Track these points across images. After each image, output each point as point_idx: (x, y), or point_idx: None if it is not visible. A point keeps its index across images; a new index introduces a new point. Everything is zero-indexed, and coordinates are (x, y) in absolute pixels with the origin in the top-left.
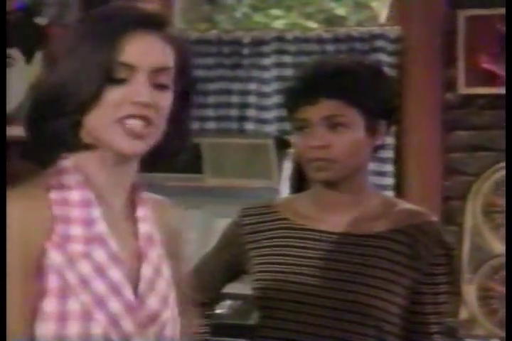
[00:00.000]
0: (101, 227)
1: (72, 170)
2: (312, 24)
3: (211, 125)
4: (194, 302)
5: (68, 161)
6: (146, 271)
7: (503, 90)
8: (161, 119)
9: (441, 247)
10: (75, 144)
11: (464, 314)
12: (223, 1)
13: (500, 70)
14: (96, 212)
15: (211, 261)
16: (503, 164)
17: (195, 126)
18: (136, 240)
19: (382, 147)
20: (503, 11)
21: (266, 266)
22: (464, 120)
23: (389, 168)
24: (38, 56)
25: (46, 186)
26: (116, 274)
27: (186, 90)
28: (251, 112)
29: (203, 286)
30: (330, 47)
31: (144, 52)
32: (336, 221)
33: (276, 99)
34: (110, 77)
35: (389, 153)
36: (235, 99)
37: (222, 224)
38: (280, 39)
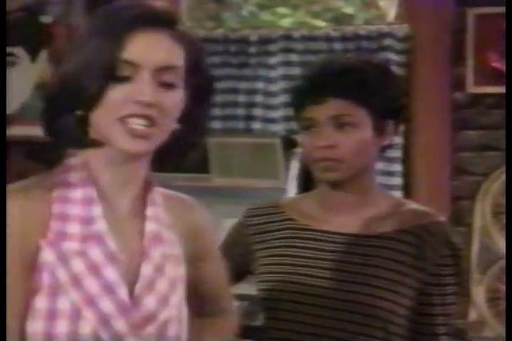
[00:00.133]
0: (100, 225)
1: (79, 168)
2: (320, 22)
3: (218, 124)
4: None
5: (76, 159)
6: (146, 270)
7: None
8: (165, 119)
9: (448, 248)
10: (83, 141)
11: (472, 315)
12: None
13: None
14: (96, 210)
15: None
16: None
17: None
18: (142, 239)
19: (389, 147)
20: None
21: (272, 266)
22: (473, 119)
23: (397, 167)
24: (43, 55)
25: (50, 184)
26: (111, 273)
27: (200, 89)
28: (258, 111)
29: None
30: (337, 46)
31: (148, 50)
32: (343, 221)
33: (283, 98)
34: (114, 74)
35: (397, 153)
36: (241, 98)
37: (228, 224)
38: (287, 37)
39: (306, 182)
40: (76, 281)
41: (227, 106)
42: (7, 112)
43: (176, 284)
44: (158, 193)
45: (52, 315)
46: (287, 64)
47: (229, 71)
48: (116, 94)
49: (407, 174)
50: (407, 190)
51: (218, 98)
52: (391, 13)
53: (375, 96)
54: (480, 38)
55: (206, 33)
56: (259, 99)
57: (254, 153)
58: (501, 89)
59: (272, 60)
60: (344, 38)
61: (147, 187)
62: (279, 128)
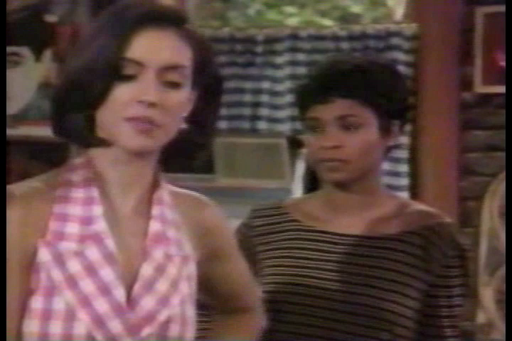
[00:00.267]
0: (100, 226)
1: (84, 166)
2: (327, 21)
3: (223, 124)
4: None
5: (80, 158)
6: (146, 270)
7: None
8: (170, 118)
9: (455, 249)
10: (91, 139)
11: (481, 317)
12: None
13: None
14: (97, 210)
15: None
16: None
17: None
18: (145, 239)
19: (395, 147)
20: None
21: (276, 268)
22: (481, 119)
23: (404, 168)
24: (47, 54)
25: (54, 183)
26: (108, 274)
27: (208, 89)
28: (264, 111)
29: None
30: (345, 45)
31: (153, 48)
32: (348, 222)
33: (289, 98)
34: (118, 73)
35: (404, 153)
36: (247, 97)
37: (234, 224)
38: (294, 37)
39: (313, 182)
40: (72, 282)
41: (232, 106)
42: (11, 112)
43: (178, 284)
44: (166, 192)
45: (47, 316)
46: (294, 63)
47: (235, 70)
48: (121, 93)
49: (413, 175)
50: (414, 190)
51: (224, 98)
52: (399, 11)
53: (382, 96)
54: (488, 37)
55: (212, 32)
56: (265, 98)
57: (260, 154)
58: None
59: (279, 60)
60: (351, 37)
61: (154, 186)
62: (285, 128)
